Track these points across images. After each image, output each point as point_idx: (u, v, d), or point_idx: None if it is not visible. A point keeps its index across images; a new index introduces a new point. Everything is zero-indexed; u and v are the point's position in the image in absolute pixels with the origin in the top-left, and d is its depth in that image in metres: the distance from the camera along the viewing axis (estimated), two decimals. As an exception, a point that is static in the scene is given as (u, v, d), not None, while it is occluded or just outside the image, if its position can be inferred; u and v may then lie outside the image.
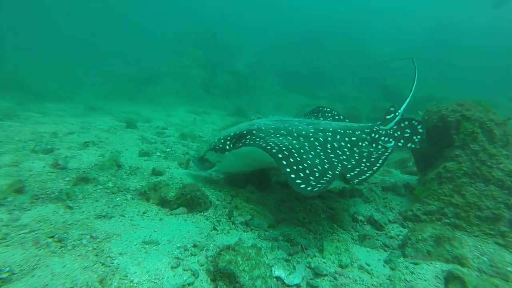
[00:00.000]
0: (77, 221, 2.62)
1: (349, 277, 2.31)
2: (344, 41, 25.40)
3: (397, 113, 3.72)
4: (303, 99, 17.30)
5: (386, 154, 3.06)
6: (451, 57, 24.10)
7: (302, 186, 2.30)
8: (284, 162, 2.58)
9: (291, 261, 2.42)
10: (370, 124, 3.71)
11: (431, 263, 2.56)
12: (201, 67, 17.86)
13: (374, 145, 3.40)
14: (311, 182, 2.36)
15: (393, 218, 3.40)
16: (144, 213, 2.96)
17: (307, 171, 2.53)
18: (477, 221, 3.03)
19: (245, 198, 3.37)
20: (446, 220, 3.13)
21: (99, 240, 2.37)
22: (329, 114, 4.71)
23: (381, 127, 3.61)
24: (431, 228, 2.74)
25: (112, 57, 23.67)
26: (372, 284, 2.26)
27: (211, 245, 2.51)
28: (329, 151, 3.09)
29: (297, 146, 2.93)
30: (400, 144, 3.43)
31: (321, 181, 2.37)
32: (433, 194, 3.30)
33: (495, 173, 3.11)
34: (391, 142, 3.45)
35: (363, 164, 2.87)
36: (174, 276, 2.09)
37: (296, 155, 2.74)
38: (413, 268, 2.49)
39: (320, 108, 4.87)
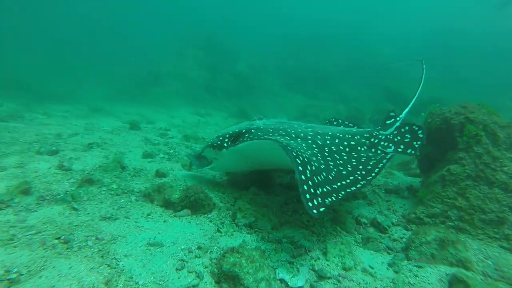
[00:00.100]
0: (82, 222, 2.64)
1: (353, 280, 2.31)
2: (345, 42, 25.45)
3: (397, 118, 3.70)
4: (304, 100, 17.32)
5: (384, 161, 3.02)
6: (453, 59, 24.03)
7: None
8: (290, 148, 2.53)
9: (295, 263, 2.42)
10: (369, 129, 3.69)
11: (435, 266, 2.55)
12: (203, 68, 17.93)
13: (373, 150, 3.37)
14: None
15: (396, 220, 3.40)
16: (148, 215, 2.99)
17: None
18: (481, 224, 3.02)
19: (248, 200, 3.38)
20: (450, 223, 3.12)
21: (105, 242, 2.39)
22: (340, 122, 4.72)
23: (380, 132, 3.59)
24: (435, 231, 2.73)
25: (113, 58, 23.73)
26: (375, 287, 2.26)
27: (215, 247, 2.53)
28: (326, 154, 3.07)
29: (294, 145, 2.93)
30: (400, 149, 3.40)
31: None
32: (436, 197, 3.29)
33: (499, 176, 3.10)
34: (390, 147, 3.43)
35: (358, 172, 2.81)
36: (179, 278, 2.11)
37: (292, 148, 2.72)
38: (417, 271, 2.49)
39: (333, 119, 4.89)
